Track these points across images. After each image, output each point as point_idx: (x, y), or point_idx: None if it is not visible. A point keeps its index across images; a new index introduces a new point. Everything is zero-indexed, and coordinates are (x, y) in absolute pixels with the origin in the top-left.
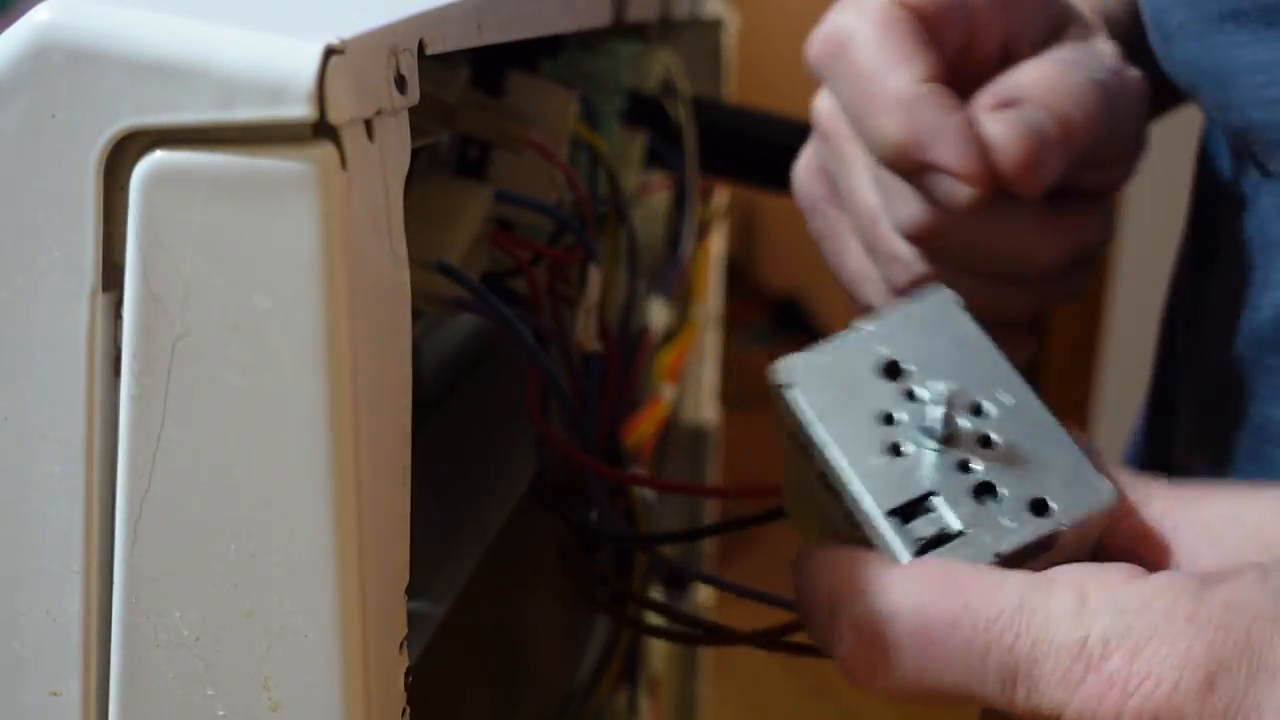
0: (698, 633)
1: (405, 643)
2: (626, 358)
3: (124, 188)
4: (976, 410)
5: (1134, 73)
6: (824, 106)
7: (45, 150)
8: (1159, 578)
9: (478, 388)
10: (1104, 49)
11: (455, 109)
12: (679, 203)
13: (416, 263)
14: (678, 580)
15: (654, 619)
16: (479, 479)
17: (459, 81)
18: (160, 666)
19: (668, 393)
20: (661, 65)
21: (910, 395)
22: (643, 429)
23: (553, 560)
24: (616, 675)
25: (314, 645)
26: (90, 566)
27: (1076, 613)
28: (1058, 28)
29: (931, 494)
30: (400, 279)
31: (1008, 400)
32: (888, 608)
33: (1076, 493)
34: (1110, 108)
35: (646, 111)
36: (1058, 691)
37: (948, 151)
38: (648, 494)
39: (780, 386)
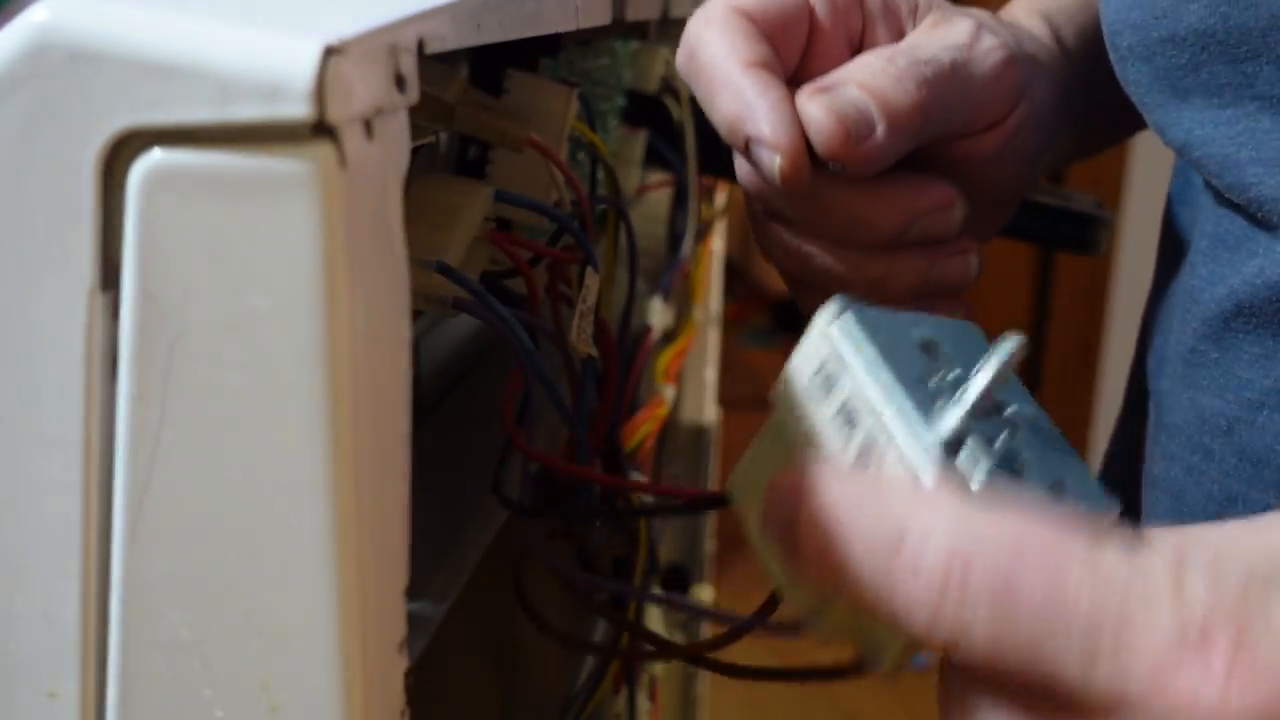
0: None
1: (405, 643)
2: (626, 359)
3: (122, 187)
4: (999, 407)
5: (988, 43)
6: None
7: (43, 149)
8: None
9: (477, 388)
10: (956, 28)
11: (455, 108)
12: (679, 203)
13: (416, 262)
14: (678, 581)
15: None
16: (479, 479)
17: (459, 81)
18: (158, 667)
19: (668, 393)
20: (662, 64)
21: (943, 377)
22: (643, 430)
23: (553, 559)
24: (616, 676)
25: (313, 646)
26: (88, 567)
27: (1176, 589)
28: (909, 14)
29: (961, 442)
30: (399, 279)
31: (1028, 409)
32: (972, 541)
33: (1087, 490)
34: (945, 84)
35: (646, 111)
36: (1145, 673)
37: (762, 123)
38: (647, 501)
39: (835, 311)
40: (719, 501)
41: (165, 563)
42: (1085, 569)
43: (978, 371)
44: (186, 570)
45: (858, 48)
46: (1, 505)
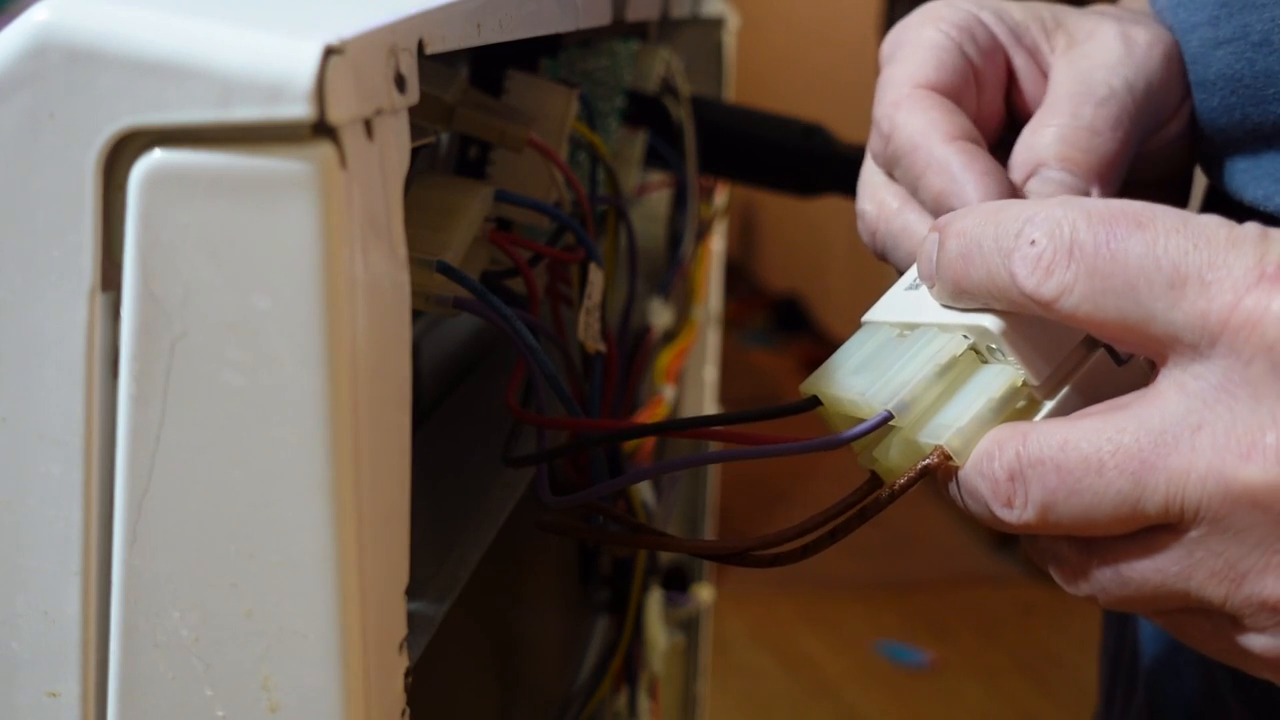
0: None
1: (405, 643)
2: (626, 358)
3: (123, 187)
4: None
5: (1143, 40)
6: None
7: (44, 150)
8: None
9: (478, 388)
10: (1102, 42)
11: (455, 108)
12: (679, 203)
13: (416, 262)
14: (678, 580)
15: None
16: (479, 479)
17: (459, 81)
18: (159, 667)
19: (668, 393)
20: (662, 64)
21: None
22: None
23: (553, 560)
24: (616, 675)
25: (313, 646)
26: (89, 567)
27: (1260, 238)
28: (1041, 34)
29: None
30: (400, 279)
31: None
32: (1079, 212)
33: None
34: (1130, 112)
35: (646, 111)
36: (1227, 294)
37: (972, 198)
38: (649, 498)
39: None
40: (805, 406)
41: (166, 562)
42: (1177, 222)
43: None
44: (187, 570)
45: (1007, 84)
46: (2, 505)
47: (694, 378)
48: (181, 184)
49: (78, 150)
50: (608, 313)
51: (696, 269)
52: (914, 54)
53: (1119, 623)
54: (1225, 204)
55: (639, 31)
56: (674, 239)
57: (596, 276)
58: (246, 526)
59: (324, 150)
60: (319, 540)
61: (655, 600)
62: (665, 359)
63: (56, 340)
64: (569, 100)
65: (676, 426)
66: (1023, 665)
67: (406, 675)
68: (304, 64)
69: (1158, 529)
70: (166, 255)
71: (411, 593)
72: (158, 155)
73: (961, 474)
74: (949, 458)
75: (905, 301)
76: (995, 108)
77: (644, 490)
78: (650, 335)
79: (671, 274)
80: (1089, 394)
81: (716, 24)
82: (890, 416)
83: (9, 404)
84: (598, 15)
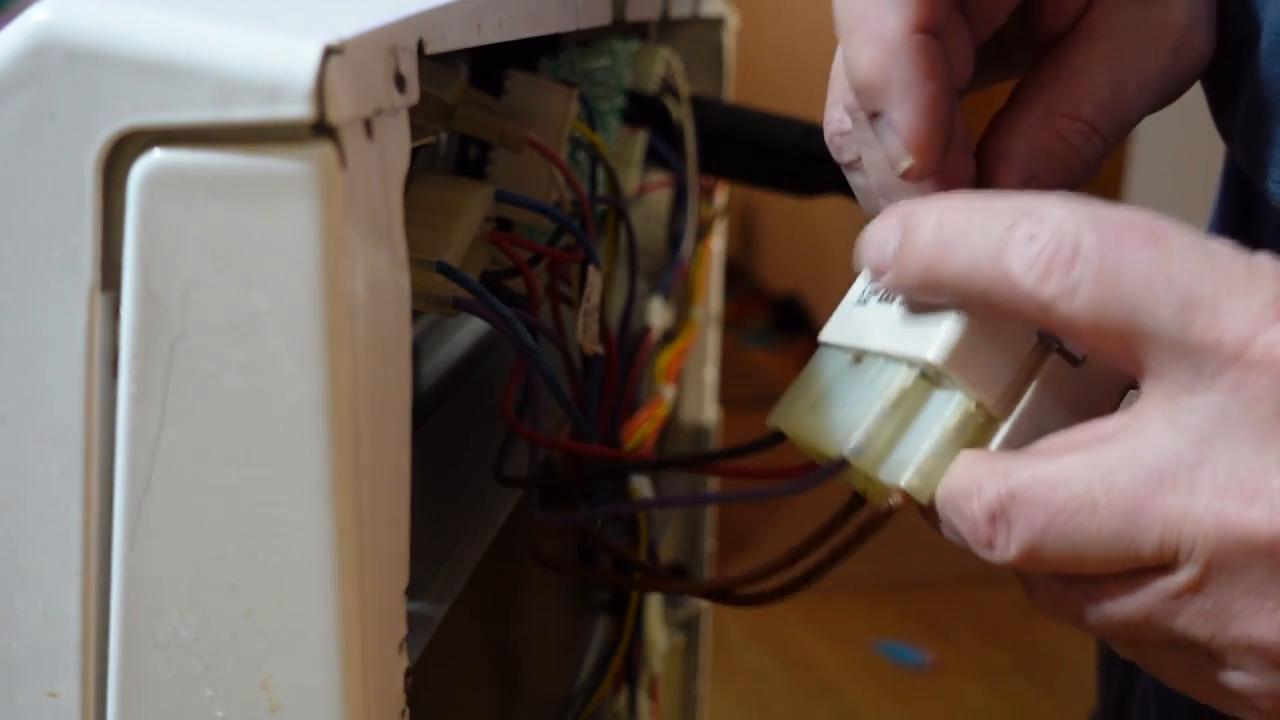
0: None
1: (405, 643)
2: (626, 358)
3: (122, 187)
4: None
5: (1198, 43)
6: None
7: (43, 150)
8: None
9: (478, 388)
10: (1152, 42)
11: (455, 108)
12: (679, 203)
13: (416, 262)
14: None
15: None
16: (479, 479)
17: (459, 81)
18: (159, 667)
19: (668, 393)
20: (662, 64)
21: None
22: (643, 429)
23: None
24: (616, 675)
25: (313, 646)
26: (89, 567)
27: (1278, 274)
28: None
29: None
30: (399, 279)
31: None
32: (1085, 214)
33: None
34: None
35: (646, 111)
36: (1242, 327)
37: (900, 113)
38: (646, 491)
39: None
40: (773, 440)
41: (166, 562)
42: (1193, 244)
43: None
44: (187, 570)
45: None
46: (2, 505)
47: (694, 378)
48: (181, 184)
49: (78, 150)
50: (607, 313)
51: (696, 269)
52: None
53: None
54: (1252, 201)
55: (639, 31)
56: (674, 239)
57: (595, 278)
58: (246, 526)
59: (324, 150)
60: (319, 540)
61: (655, 600)
62: (665, 359)
63: (56, 340)
64: (569, 100)
65: (668, 465)
66: (1023, 665)
67: (406, 675)
68: (304, 64)
69: (1147, 567)
70: (166, 255)
71: (411, 593)
72: (157, 155)
73: (938, 509)
74: (911, 496)
75: (855, 320)
76: None
77: (642, 486)
78: (650, 335)
79: (671, 274)
80: (1048, 401)
81: (716, 24)
82: (846, 462)
83: (9, 404)
84: (598, 15)
